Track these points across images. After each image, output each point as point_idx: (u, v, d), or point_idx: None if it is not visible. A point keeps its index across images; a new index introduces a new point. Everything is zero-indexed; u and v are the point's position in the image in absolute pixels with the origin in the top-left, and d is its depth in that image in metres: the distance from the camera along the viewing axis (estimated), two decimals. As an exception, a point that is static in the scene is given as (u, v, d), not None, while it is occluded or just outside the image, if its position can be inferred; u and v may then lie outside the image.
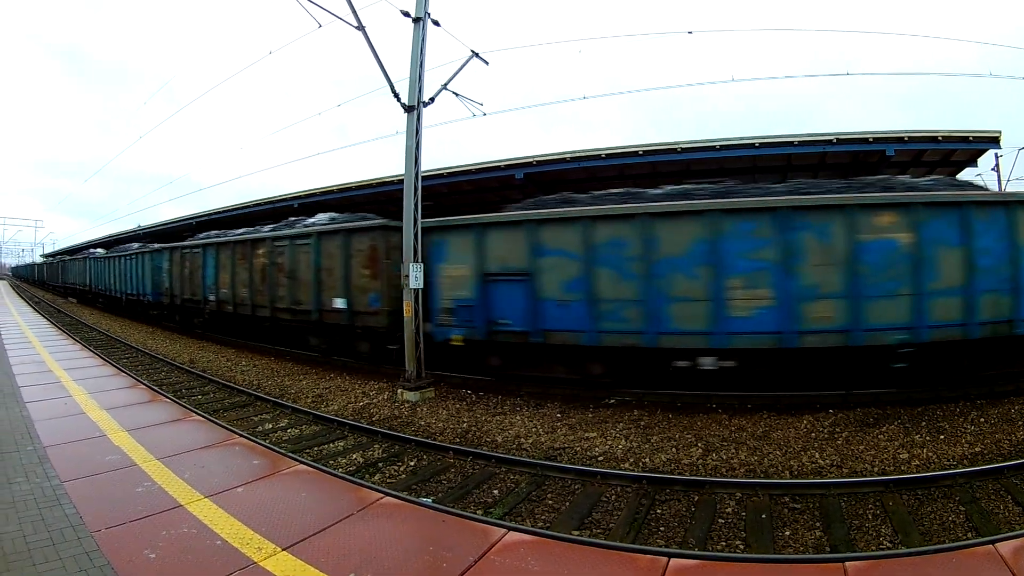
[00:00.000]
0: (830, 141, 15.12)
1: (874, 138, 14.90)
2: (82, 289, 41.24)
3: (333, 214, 17.91)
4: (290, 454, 7.12)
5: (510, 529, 4.84)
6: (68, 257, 52.22)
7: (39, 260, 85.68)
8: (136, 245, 32.82)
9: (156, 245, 26.80)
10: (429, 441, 9.12)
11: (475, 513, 6.09)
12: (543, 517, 6.53)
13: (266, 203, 26.76)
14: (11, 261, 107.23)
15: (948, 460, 7.55)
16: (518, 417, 10.36)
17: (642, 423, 9.80)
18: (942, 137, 14.71)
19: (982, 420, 8.84)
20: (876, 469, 7.42)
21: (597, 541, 5.09)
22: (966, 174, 16.97)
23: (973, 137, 14.80)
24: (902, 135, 14.77)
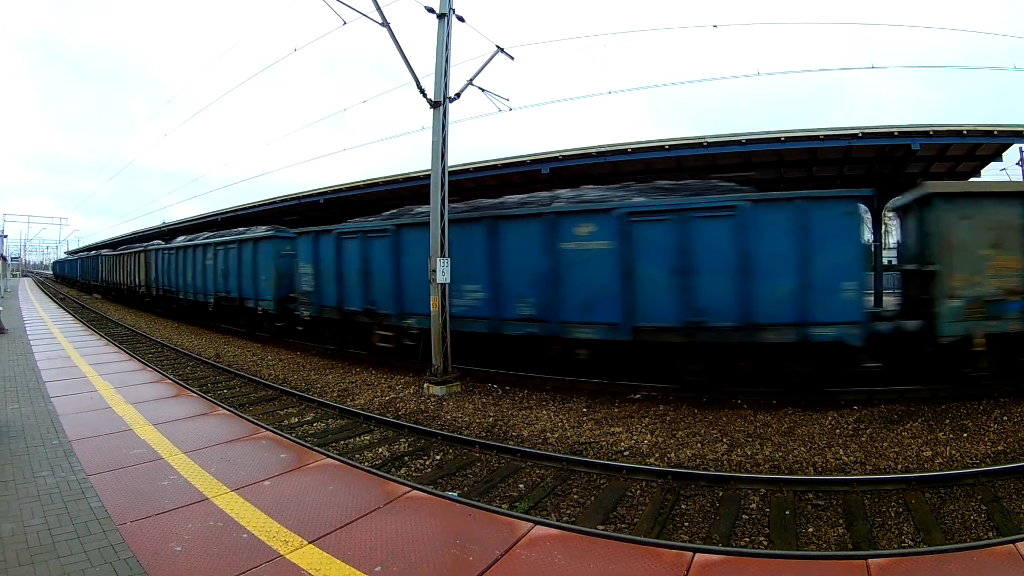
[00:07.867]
0: (855, 135, 14.93)
1: (899, 132, 14.69)
2: (124, 288, 37.36)
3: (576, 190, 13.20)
4: (317, 448, 7.15)
5: (536, 523, 4.85)
6: (109, 251, 47.17)
7: (64, 256, 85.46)
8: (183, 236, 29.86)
9: (262, 230, 20.73)
10: (455, 435, 9.20)
11: (501, 507, 6.11)
12: (569, 512, 6.60)
13: (292, 199, 26.74)
14: (34, 258, 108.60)
15: (971, 458, 7.53)
16: (544, 411, 10.41)
17: (667, 418, 9.85)
18: (967, 131, 14.48)
19: (1005, 418, 8.80)
20: (899, 466, 7.43)
21: (622, 536, 5.12)
22: (990, 169, 16.74)
23: (998, 131, 14.56)
24: (927, 129, 14.56)
